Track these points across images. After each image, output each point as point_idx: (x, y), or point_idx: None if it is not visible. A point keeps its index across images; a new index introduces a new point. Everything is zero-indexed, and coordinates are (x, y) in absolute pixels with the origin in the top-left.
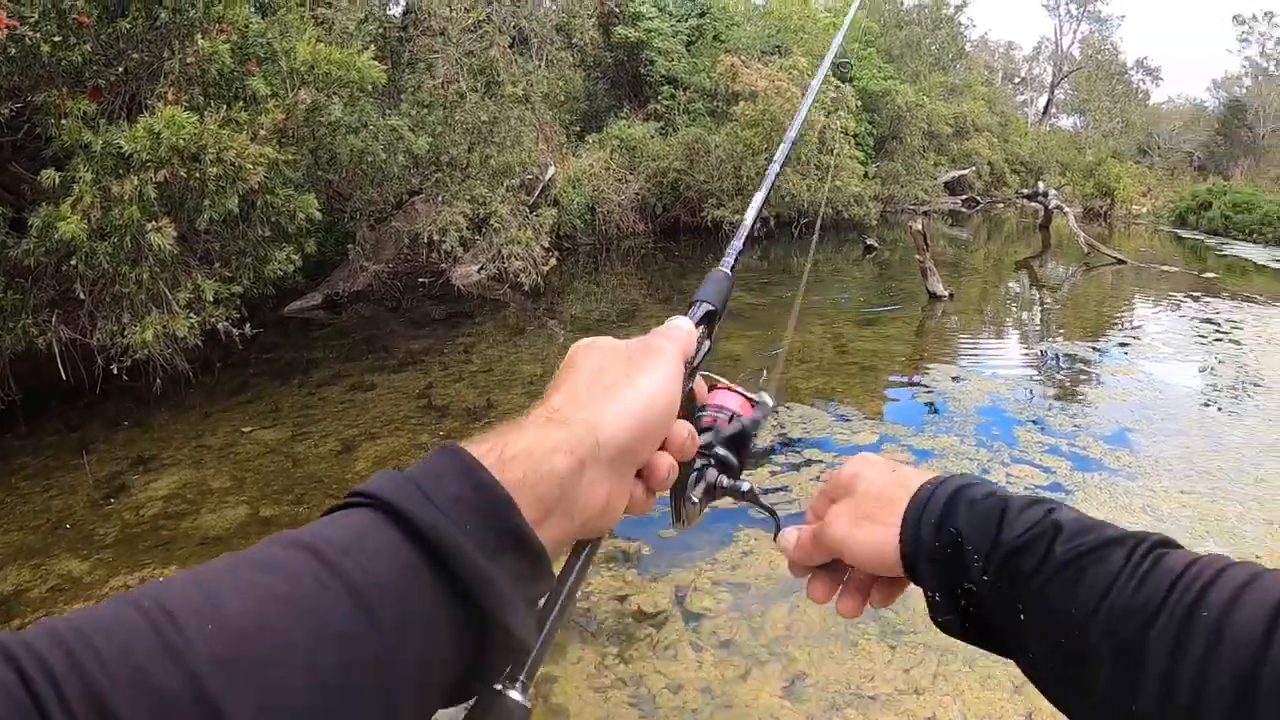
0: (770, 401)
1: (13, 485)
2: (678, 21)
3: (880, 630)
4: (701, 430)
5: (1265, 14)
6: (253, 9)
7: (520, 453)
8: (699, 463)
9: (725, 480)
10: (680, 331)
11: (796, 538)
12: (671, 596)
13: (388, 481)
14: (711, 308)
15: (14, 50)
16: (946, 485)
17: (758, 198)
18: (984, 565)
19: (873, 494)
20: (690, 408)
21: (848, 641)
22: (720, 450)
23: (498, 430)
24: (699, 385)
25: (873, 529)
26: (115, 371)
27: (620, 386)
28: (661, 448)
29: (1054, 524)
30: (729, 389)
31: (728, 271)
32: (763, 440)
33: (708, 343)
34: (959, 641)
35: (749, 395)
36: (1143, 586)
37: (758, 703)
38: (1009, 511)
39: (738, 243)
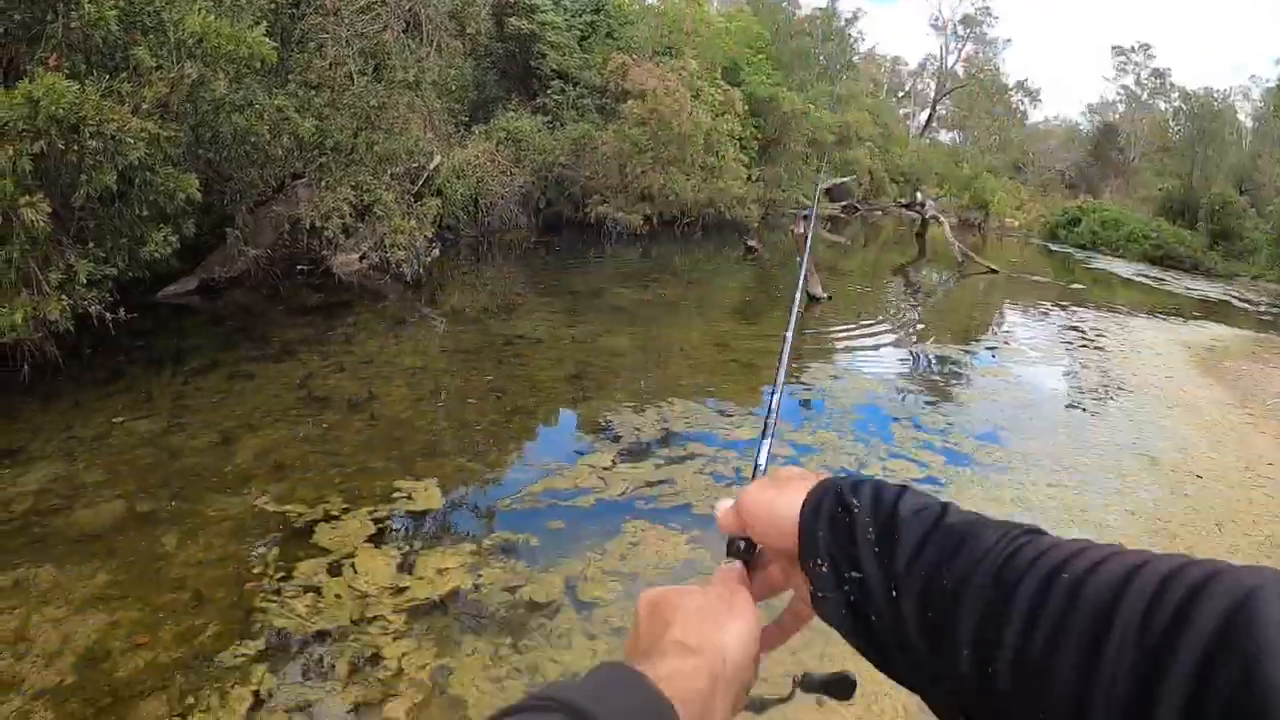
0: None
1: None
2: (572, 16)
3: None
4: None
5: (1142, 45)
6: None
7: (670, 674)
8: None
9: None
10: (730, 577)
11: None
12: (562, 586)
13: (567, 689)
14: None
15: None
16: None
17: None
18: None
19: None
20: None
21: None
22: None
23: (636, 655)
24: None
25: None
26: None
27: (727, 620)
28: None
29: (942, 505)
30: None
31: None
32: (648, 434)
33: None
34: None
35: None
36: (1016, 555)
37: None
38: (905, 493)
39: None
